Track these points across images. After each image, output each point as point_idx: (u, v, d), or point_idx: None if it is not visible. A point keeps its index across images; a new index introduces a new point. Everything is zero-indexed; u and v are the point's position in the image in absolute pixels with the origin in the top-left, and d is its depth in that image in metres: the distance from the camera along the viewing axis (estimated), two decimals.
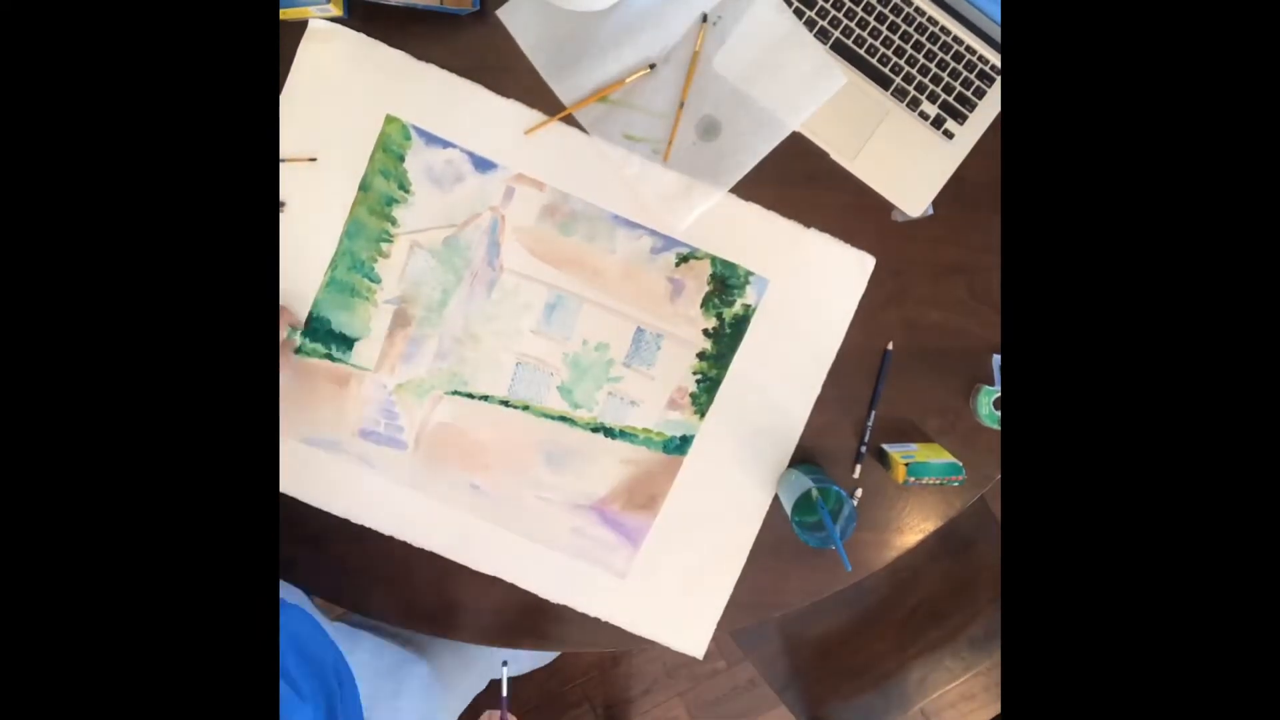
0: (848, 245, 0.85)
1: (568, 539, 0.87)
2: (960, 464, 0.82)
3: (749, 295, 0.85)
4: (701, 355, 0.86)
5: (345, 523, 0.86)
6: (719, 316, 0.85)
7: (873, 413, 0.86)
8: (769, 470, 0.86)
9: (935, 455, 0.84)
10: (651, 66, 0.82)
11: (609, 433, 0.86)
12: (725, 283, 0.85)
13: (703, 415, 0.86)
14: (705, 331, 0.86)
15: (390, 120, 0.82)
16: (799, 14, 0.82)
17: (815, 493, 0.78)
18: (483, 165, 0.83)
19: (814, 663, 1.30)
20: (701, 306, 0.85)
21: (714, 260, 0.85)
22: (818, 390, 0.86)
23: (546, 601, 0.88)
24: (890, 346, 0.86)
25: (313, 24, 0.81)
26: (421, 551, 0.87)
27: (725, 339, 0.86)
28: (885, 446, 0.86)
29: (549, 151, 0.83)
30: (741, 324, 0.85)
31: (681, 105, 0.83)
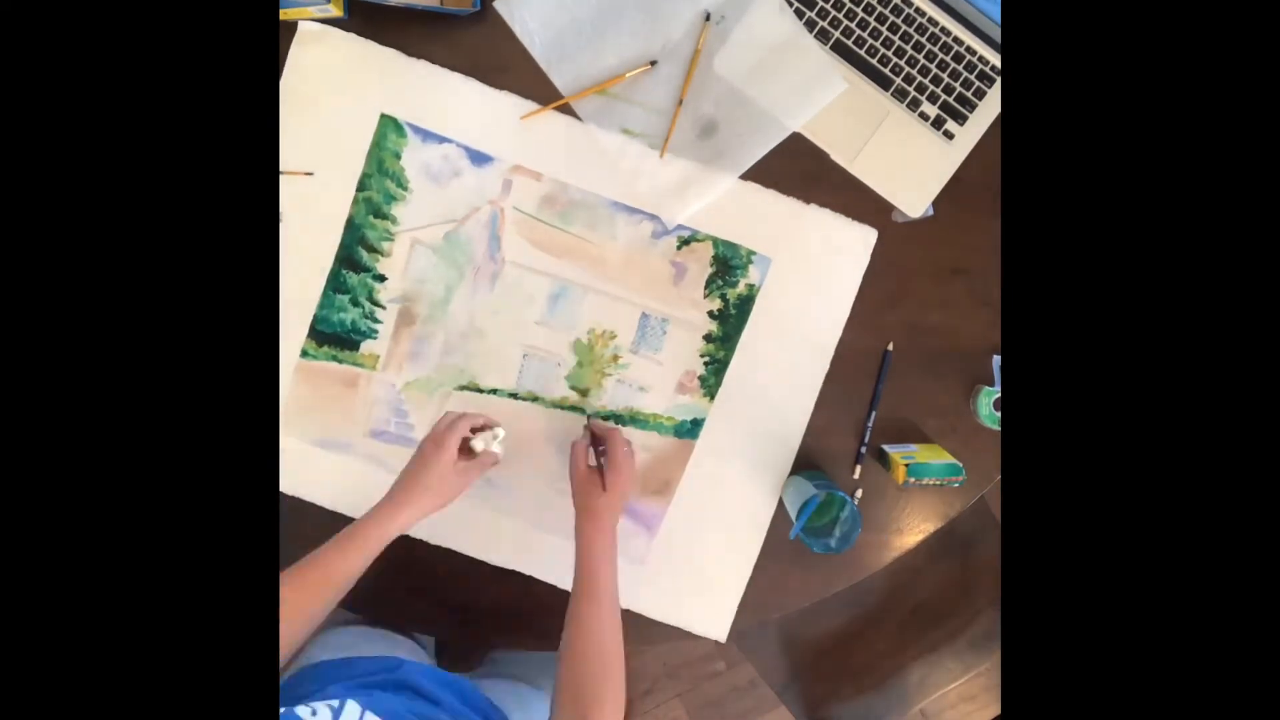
0: (849, 219, 0.85)
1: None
2: (960, 465, 0.83)
3: (752, 275, 0.85)
4: (708, 337, 0.86)
5: (349, 523, 0.86)
6: (723, 298, 0.85)
7: (873, 413, 0.86)
8: (781, 449, 0.86)
9: (935, 456, 0.84)
10: (652, 63, 0.82)
11: (619, 420, 0.86)
12: (728, 264, 0.85)
13: (712, 398, 0.86)
14: (710, 314, 0.86)
15: (385, 118, 0.82)
16: (799, 14, 0.83)
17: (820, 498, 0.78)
18: (479, 159, 0.83)
19: (814, 663, 1.30)
20: (705, 289, 0.85)
21: (715, 242, 0.85)
22: (826, 368, 0.86)
23: (561, 598, 0.87)
24: (890, 347, 0.86)
25: (302, 26, 0.81)
26: (434, 552, 0.86)
27: (731, 320, 0.86)
28: (885, 447, 0.86)
29: (546, 142, 0.83)
30: (746, 304, 0.85)
31: (680, 102, 0.83)
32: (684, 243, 0.85)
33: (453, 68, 0.82)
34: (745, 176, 0.84)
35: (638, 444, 0.86)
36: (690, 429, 0.87)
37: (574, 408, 0.86)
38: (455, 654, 1.04)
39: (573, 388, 0.86)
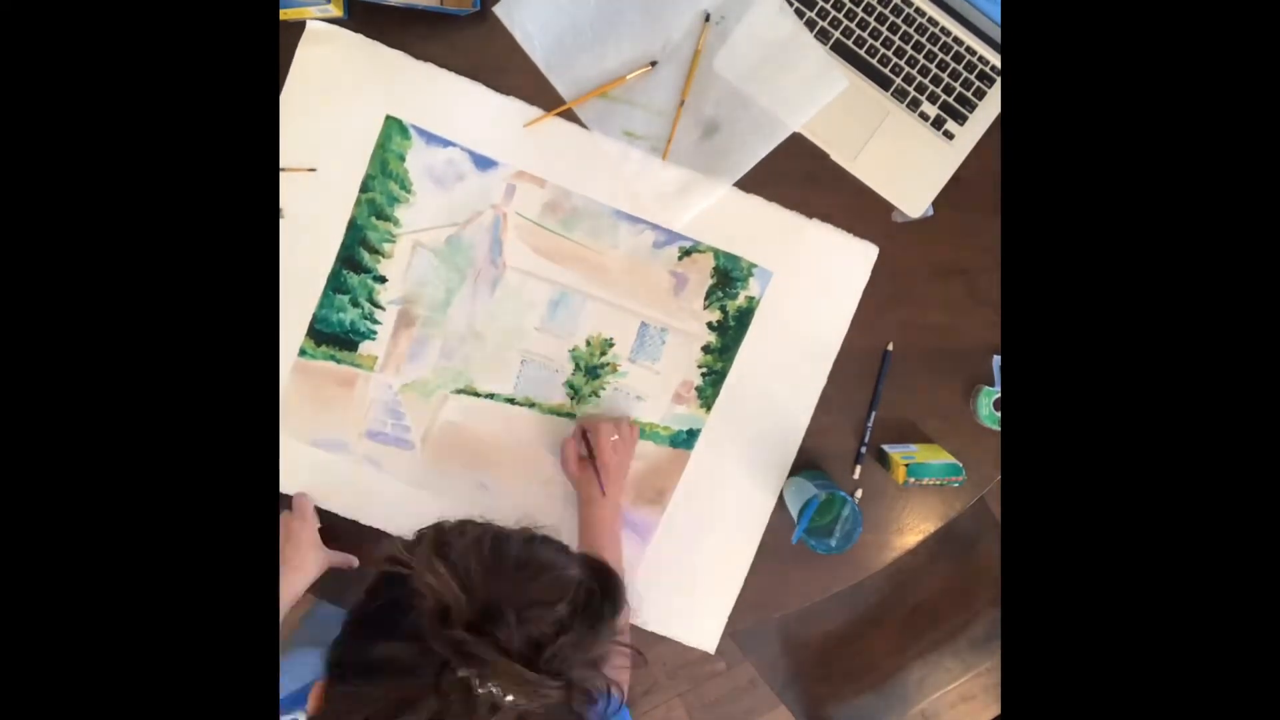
0: (850, 235, 0.85)
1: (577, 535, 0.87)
2: (960, 465, 0.83)
3: (752, 287, 0.85)
4: (706, 349, 0.86)
5: (348, 523, 0.86)
6: (723, 309, 0.85)
7: (873, 413, 0.86)
8: (776, 462, 0.86)
9: (935, 456, 0.84)
10: (653, 64, 0.82)
11: None
12: (728, 275, 0.85)
13: (709, 409, 0.86)
14: (709, 325, 0.86)
15: (390, 120, 0.82)
16: (799, 14, 0.83)
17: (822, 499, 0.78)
18: (483, 163, 0.83)
19: (814, 663, 1.30)
20: (705, 300, 0.85)
21: (716, 253, 0.85)
22: (823, 382, 0.86)
23: None
24: (890, 347, 0.86)
25: (310, 25, 0.81)
26: None
27: (730, 332, 0.86)
28: (885, 447, 0.86)
29: (549, 148, 0.83)
30: (745, 316, 0.85)
31: (682, 103, 0.83)
32: (685, 253, 0.85)
33: (452, 68, 0.82)
34: (749, 189, 0.84)
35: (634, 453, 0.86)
36: (686, 439, 0.87)
37: (571, 414, 0.86)
38: None
39: (570, 394, 0.86)
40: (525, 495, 0.87)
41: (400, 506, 0.86)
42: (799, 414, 0.86)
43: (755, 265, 0.85)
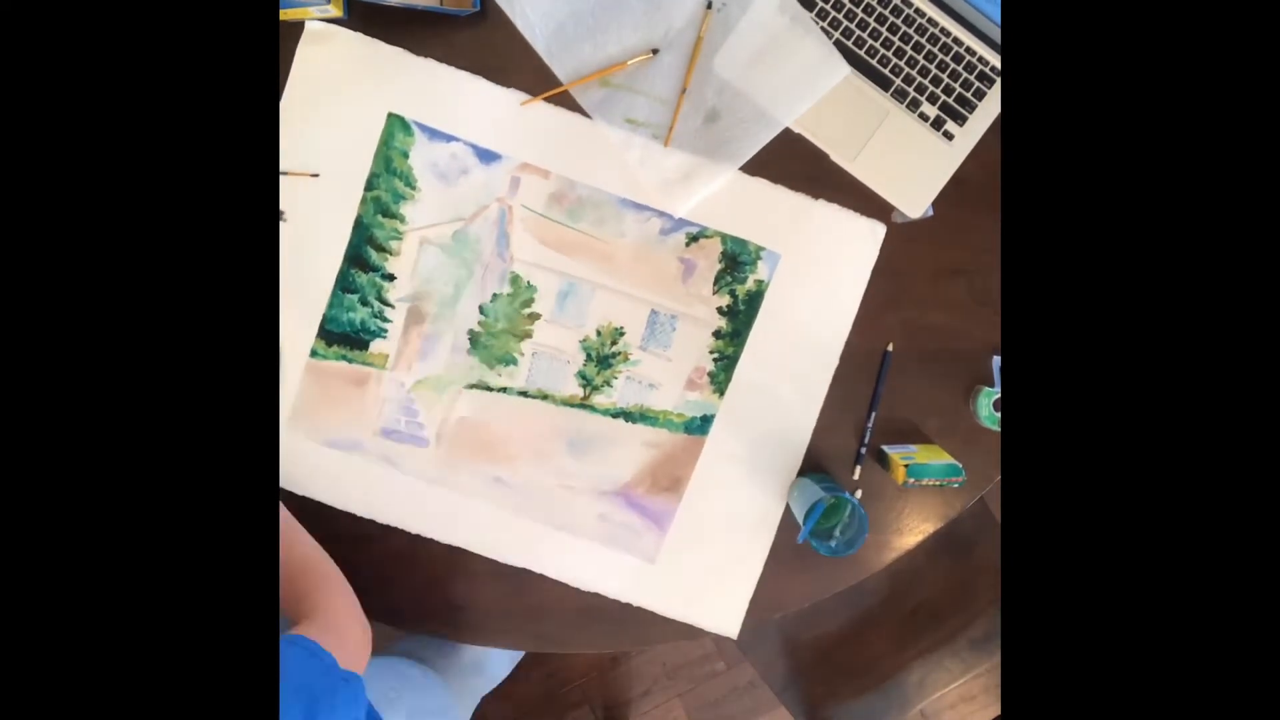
0: (857, 214, 0.85)
1: (595, 526, 0.87)
2: (960, 465, 0.83)
3: (761, 271, 0.85)
4: (717, 334, 0.86)
5: (366, 522, 0.86)
6: (732, 294, 0.86)
7: (873, 414, 0.86)
8: (791, 445, 0.87)
9: (935, 456, 0.84)
10: (654, 52, 0.82)
11: (629, 417, 0.87)
12: (736, 260, 0.85)
13: (722, 394, 0.87)
14: (719, 310, 0.86)
15: (392, 117, 0.83)
16: None
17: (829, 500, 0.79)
18: (487, 157, 0.84)
19: (814, 664, 1.30)
20: (714, 285, 0.86)
21: (724, 238, 0.85)
22: (835, 363, 0.86)
23: (565, 602, 0.87)
24: (890, 348, 0.86)
25: (310, 26, 0.81)
26: (438, 552, 0.87)
27: (740, 316, 0.86)
28: (885, 448, 0.87)
29: (552, 139, 0.84)
30: (755, 300, 0.86)
31: (684, 91, 0.83)
32: (692, 239, 0.85)
33: (454, 68, 0.83)
34: (753, 172, 0.84)
35: (648, 441, 0.87)
36: (700, 425, 0.87)
37: (583, 405, 0.87)
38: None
39: (583, 385, 0.86)
40: (540, 488, 0.87)
41: (417, 504, 0.86)
42: (812, 397, 0.86)
43: (763, 248, 0.85)
